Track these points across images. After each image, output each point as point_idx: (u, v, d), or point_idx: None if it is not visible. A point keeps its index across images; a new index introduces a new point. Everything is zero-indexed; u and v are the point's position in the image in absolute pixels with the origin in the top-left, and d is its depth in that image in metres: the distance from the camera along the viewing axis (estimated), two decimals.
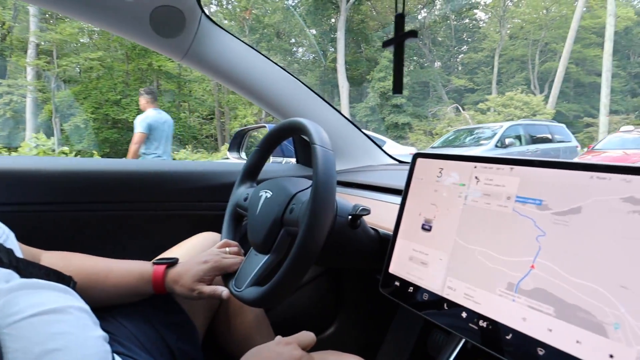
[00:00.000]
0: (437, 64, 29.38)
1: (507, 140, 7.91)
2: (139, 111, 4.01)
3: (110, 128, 15.60)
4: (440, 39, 27.58)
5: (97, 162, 1.23)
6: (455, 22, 27.02)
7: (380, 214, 0.92)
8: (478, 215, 0.61)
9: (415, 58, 26.43)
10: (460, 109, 19.12)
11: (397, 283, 0.70)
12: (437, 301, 0.62)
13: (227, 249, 0.86)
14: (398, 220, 0.74)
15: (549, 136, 9.07)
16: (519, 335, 0.51)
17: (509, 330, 0.52)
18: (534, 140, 8.61)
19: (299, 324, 1.27)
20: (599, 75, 26.56)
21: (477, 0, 26.70)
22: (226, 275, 0.83)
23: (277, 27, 21.73)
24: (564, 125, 9.76)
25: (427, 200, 0.69)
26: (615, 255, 0.45)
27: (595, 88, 26.39)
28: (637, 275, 0.43)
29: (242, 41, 1.21)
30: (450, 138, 9.49)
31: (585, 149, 9.12)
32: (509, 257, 0.54)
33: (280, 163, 2.22)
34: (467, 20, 27.75)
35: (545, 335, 0.48)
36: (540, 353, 0.48)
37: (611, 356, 0.42)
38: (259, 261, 0.78)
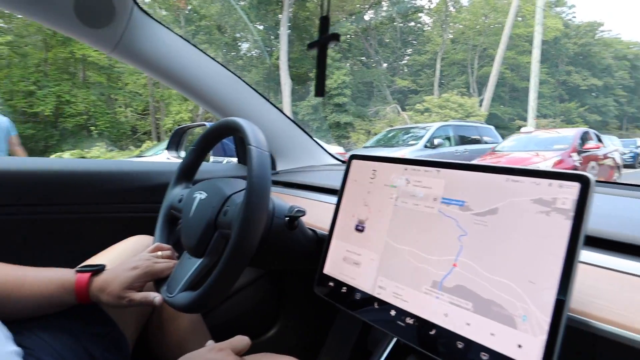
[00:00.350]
0: (384, 65, 30.33)
1: (436, 141, 8.12)
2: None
3: (24, 122, 14.28)
4: (387, 40, 28.43)
5: (15, 161, 1.14)
6: (401, 25, 28.01)
7: (319, 214, 0.95)
8: (407, 216, 0.64)
9: (363, 58, 27.02)
10: (399, 109, 19.76)
11: (331, 283, 0.72)
12: (369, 300, 0.65)
13: (160, 252, 0.84)
14: (333, 221, 0.76)
15: (478, 137, 9.34)
16: (441, 331, 0.54)
17: (432, 326, 0.55)
18: (463, 140, 8.88)
19: (239, 327, 1.26)
20: None
21: (422, 4, 27.96)
22: (158, 280, 0.81)
23: (220, 20, 21.23)
24: (492, 127, 10.17)
25: (361, 201, 0.72)
26: (525, 253, 0.49)
27: (528, 92, 28.76)
28: (543, 271, 0.48)
29: (178, 35, 1.18)
30: (382, 138, 9.65)
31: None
32: (434, 256, 0.58)
33: (221, 163, 2.19)
34: (412, 24, 28.87)
35: (464, 329, 0.52)
36: (460, 346, 0.52)
37: (519, 346, 0.47)
38: (192, 265, 0.77)
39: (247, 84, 1.32)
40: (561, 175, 0.49)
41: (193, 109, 17.64)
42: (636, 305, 0.50)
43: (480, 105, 20.66)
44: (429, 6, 28.14)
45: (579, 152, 6.66)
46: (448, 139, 8.74)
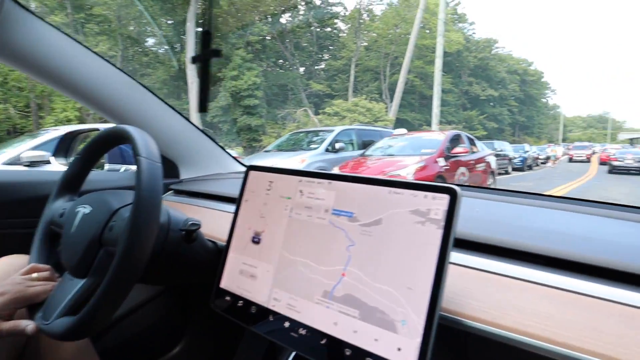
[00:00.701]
0: (301, 68, 30.83)
1: (338, 145, 8.03)
2: None
3: None
4: (303, 44, 28.85)
5: None
6: (317, 30, 28.63)
7: (223, 225, 0.93)
8: (301, 227, 0.66)
9: (280, 61, 27.09)
10: (310, 112, 20.11)
11: (228, 298, 0.72)
12: (264, 313, 0.66)
13: (35, 274, 0.76)
14: (230, 233, 0.76)
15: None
16: (331, 339, 0.57)
17: (323, 335, 0.58)
18: (366, 145, 8.65)
19: (138, 347, 1.19)
20: None
21: (338, 11, 28.85)
22: (32, 306, 0.73)
23: (120, 10, 19.78)
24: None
25: (258, 213, 0.73)
26: (404, 261, 0.54)
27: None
28: (419, 277, 0.52)
29: (62, 31, 1.09)
30: (284, 141, 9.40)
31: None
32: (325, 267, 0.61)
33: (118, 171, 2.05)
34: (328, 29, 29.67)
35: (351, 337, 0.55)
36: (348, 353, 0.55)
37: (399, 349, 0.51)
38: (73, 287, 0.71)
39: (144, 87, 1.26)
40: (434, 188, 0.54)
41: (82, 107, 16.02)
42: (502, 304, 0.56)
43: (387, 111, 21.72)
44: (344, 13, 29.29)
45: (447, 157, 6.31)
46: (351, 143, 8.67)
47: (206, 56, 0.50)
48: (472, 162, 7.06)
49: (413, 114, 31.00)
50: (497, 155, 15.82)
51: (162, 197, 1.27)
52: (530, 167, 21.37)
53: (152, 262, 0.73)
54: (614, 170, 18.23)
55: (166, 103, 1.34)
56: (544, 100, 60.45)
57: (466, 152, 6.73)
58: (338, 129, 8.76)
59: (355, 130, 9.19)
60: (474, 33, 42.74)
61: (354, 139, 8.88)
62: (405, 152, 6.71)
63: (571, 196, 1.03)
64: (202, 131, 1.50)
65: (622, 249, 0.64)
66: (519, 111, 48.50)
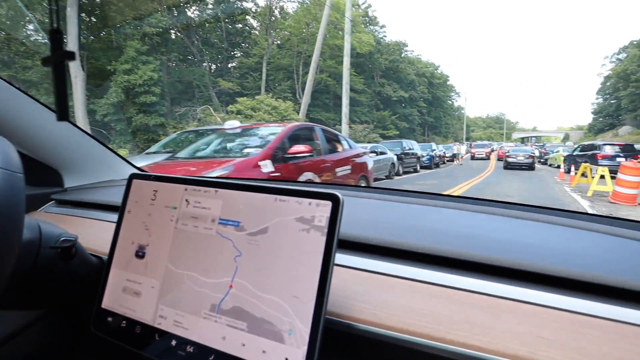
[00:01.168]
0: (212, 65, 29.85)
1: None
2: None
3: None
4: (214, 40, 27.91)
5: None
6: (229, 26, 27.88)
7: (109, 238, 0.84)
8: (187, 239, 0.64)
9: (189, 57, 25.79)
10: (212, 110, 19.10)
11: (110, 319, 0.68)
12: (150, 332, 0.62)
13: None
14: (112, 248, 0.72)
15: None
16: (219, 355, 0.55)
17: (211, 351, 0.56)
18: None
19: None
20: (352, 89, 32.10)
21: (249, 7, 28.44)
22: None
23: None
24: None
25: (142, 224, 0.69)
26: (290, 269, 0.54)
27: (349, 100, 32.13)
28: (305, 286, 0.53)
29: None
30: (171, 141, 8.06)
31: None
32: (212, 279, 0.59)
33: None
34: (240, 25, 29.08)
35: (240, 351, 0.54)
36: None
37: (287, 359, 0.51)
38: None
39: (11, 84, 1.12)
40: (318, 195, 0.55)
41: None
42: (389, 304, 0.59)
43: (295, 110, 21.67)
44: (255, 9, 29.00)
45: (281, 159, 4.59)
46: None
47: (59, 58, 0.46)
48: (327, 164, 5.50)
49: (327, 114, 31.87)
50: (405, 154, 16.18)
51: (39, 210, 1.14)
52: (437, 165, 22.92)
53: (22, 284, 0.66)
54: (509, 166, 21.51)
55: (41, 103, 1.21)
56: (449, 102, 65.65)
57: (308, 152, 4.93)
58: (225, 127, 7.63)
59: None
60: (385, 36, 45.02)
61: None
62: (223, 153, 4.96)
63: (467, 195, 1.13)
64: (89, 134, 1.39)
65: (498, 244, 0.70)
66: (428, 112, 52.07)
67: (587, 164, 12.22)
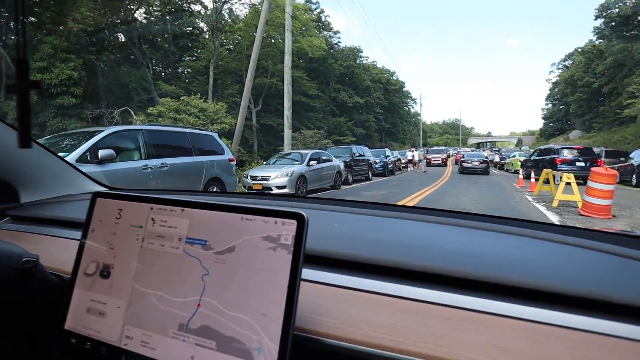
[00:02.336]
0: (159, 69, 28.91)
1: (103, 153, 5.78)
2: None
3: None
4: (159, 41, 27.08)
5: None
6: (176, 29, 27.14)
7: (69, 255, 0.85)
8: (154, 258, 0.65)
9: (132, 58, 24.65)
10: (132, 113, 17.74)
11: (73, 340, 0.68)
12: (116, 354, 0.63)
13: None
14: (75, 267, 0.72)
15: (190, 147, 7.57)
16: None
17: None
18: (162, 152, 6.96)
19: None
20: (305, 94, 32.16)
21: (196, 9, 27.92)
22: None
23: None
24: (215, 135, 8.80)
25: (106, 244, 0.70)
26: (258, 287, 0.57)
27: (303, 106, 32.12)
28: (272, 303, 0.55)
29: None
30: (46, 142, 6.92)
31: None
32: (180, 298, 0.61)
33: None
34: (189, 28, 28.40)
35: None
36: None
37: None
38: None
39: None
40: (283, 214, 0.58)
41: None
42: (354, 318, 0.63)
43: (232, 114, 20.51)
44: (204, 12, 28.53)
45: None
46: (138, 150, 6.64)
47: (24, 88, 0.48)
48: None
49: (279, 119, 31.27)
50: (355, 161, 15.71)
51: None
52: (392, 172, 22.58)
53: None
54: (465, 171, 22.74)
55: None
56: (406, 108, 67.27)
57: None
58: (110, 129, 6.44)
59: (145, 132, 6.91)
60: (339, 41, 45.54)
61: (142, 143, 6.74)
62: None
63: (419, 205, 1.20)
64: (46, 147, 1.37)
65: (458, 256, 0.76)
66: (385, 118, 52.86)
67: (549, 169, 11.49)
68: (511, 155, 26.28)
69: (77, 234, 0.99)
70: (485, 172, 22.35)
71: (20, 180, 1.34)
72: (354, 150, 16.98)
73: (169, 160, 7.05)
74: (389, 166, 21.85)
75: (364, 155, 17.69)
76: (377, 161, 20.22)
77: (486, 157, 24.15)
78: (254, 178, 10.97)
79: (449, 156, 40.38)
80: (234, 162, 8.96)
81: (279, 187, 10.60)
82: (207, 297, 0.59)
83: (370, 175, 18.10)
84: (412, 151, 30.74)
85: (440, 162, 32.38)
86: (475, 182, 16.80)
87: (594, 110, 44.09)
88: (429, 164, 30.57)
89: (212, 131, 10.99)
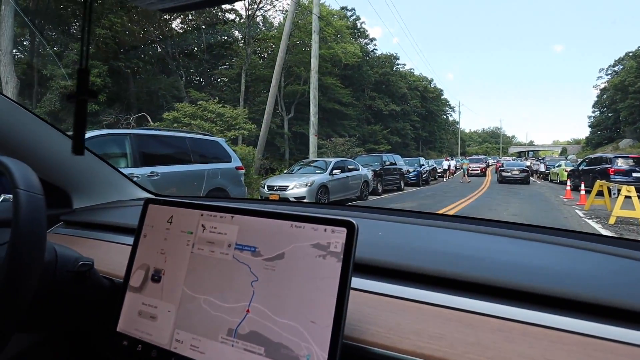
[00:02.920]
0: (195, 77, 29.61)
1: None
2: None
3: None
4: (195, 52, 27.74)
5: None
6: (211, 38, 27.70)
7: (120, 260, 0.89)
8: (204, 263, 0.67)
9: (143, 62, 24.95)
10: (149, 119, 17.39)
11: (125, 342, 0.70)
12: (166, 357, 0.65)
13: None
14: (128, 271, 0.75)
15: (189, 153, 7.01)
16: None
17: None
18: (151, 160, 6.27)
19: None
20: (339, 102, 32.08)
21: (231, 17, 28.51)
22: None
23: None
24: (222, 140, 8.18)
25: (157, 249, 0.73)
26: (307, 295, 0.57)
27: (336, 114, 32.06)
28: (322, 311, 0.56)
29: None
30: None
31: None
32: (229, 304, 0.62)
33: None
34: (225, 37, 28.97)
35: None
36: None
37: None
38: None
39: (21, 105, 1.16)
40: (333, 222, 0.58)
41: None
42: (401, 327, 0.62)
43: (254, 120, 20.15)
44: (238, 20, 29.07)
45: None
46: (124, 156, 6.09)
47: (82, 97, 0.52)
48: None
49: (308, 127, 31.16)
50: (386, 170, 15.18)
51: (48, 232, 1.18)
52: (426, 182, 21.72)
53: (34, 305, 0.69)
54: (504, 180, 22.34)
55: (49, 123, 1.26)
56: (444, 116, 66.49)
57: None
58: (93, 133, 5.89)
59: (135, 137, 6.24)
60: (375, 49, 45.39)
61: (130, 149, 6.10)
62: None
63: (463, 215, 1.20)
64: (97, 154, 1.43)
65: (506, 266, 0.74)
66: (422, 126, 52.06)
67: (602, 181, 10.46)
68: (556, 165, 24.63)
69: (128, 239, 1.03)
70: (525, 181, 21.89)
71: (73, 187, 1.40)
72: (384, 159, 16.38)
73: (161, 169, 6.29)
74: (424, 175, 21.17)
75: (395, 164, 16.97)
76: (411, 170, 19.58)
77: (527, 166, 23.70)
78: (271, 188, 10.36)
79: (488, 165, 38.61)
80: (243, 171, 8.25)
81: (297, 198, 9.86)
82: (256, 303, 0.60)
83: (403, 185, 17.32)
84: (448, 160, 29.91)
85: (478, 171, 30.70)
86: (516, 194, 15.72)
87: None
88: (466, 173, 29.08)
89: (233, 137, 10.40)
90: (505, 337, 0.59)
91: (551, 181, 23.97)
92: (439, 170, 26.98)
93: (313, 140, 17.24)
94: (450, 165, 27.70)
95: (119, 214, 1.32)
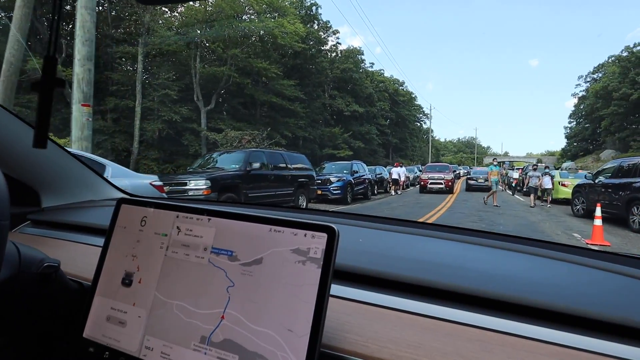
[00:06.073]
0: None
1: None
2: None
3: None
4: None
5: None
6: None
7: (90, 262, 0.90)
8: (178, 267, 0.67)
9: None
10: None
11: (92, 349, 0.70)
12: None
13: None
14: (97, 274, 0.75)
15: None
16: None
17: None
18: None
19: None
20: (280, 96, 27.44)
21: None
22: None
23: None
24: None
25: (129, 251, 0.73)
26: (285, 301, 0.58)
27: (278, 109, 28.41)
28: (299, 318, 0.56)
29: None
30: None
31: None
32: (203, 310, 0.63)
33: None
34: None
35: None
36: None
37: None
38: None
39: None
40: (313, 227, 0.59)
41: None
42: (379, 336, 0.64)
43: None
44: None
45: None
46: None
47: (48, 85, 0.55)
48: None
49: (238, 123, 26.03)
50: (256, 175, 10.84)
51: (14, 231, 1.19)
52: (365, 196, 18.48)
53: None
54: (470, 188, 23.75)
55: (15, 114, 1.25)
56: (417, 124, 67.03)
57: None
58: None
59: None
60: (339, 42, 44.34)
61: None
62: None
63: (443, 224, 1.29)
64: (70, 152, 1.44)
65: (485, 276, 0.78)
66: (392, 132, 50.55)
67: None
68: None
69: (99, 240, 1.04)
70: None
71: (42, 184, 1.41)
72: (355, 168, 15.94)
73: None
74: (360, 188, 17.43)
75: (288, 168, 12.43)
76: (333, 180, 15.28)
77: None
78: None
79: (458, 177, 34.74)
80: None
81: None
82: (232, 310, 0.61)
83: (305, 203, 12.83)
84: (399, 166, 23.21)
85: (442, 185, 22.82)
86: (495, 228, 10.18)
87: (632, 126, 41.84)
88: (423, 188, 22.95)
89: None
90: (484, 347, 0.61)
91: (524, 194, 19.91)
92: (391, 180, 22.26)
93: (78, 113, 10.26)
94: (401, 175, 22.18)
95: (90, 214, 1.33)
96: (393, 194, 21.67)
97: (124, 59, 23.34)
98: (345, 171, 17.04)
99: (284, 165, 12.48)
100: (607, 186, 11.46)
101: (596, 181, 12.18)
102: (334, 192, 15.28)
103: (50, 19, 0.55)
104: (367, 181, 18.65)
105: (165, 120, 21.60)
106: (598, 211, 8.79)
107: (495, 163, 17.35)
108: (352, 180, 16.63)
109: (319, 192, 14.99)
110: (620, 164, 11.66)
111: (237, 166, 10.89)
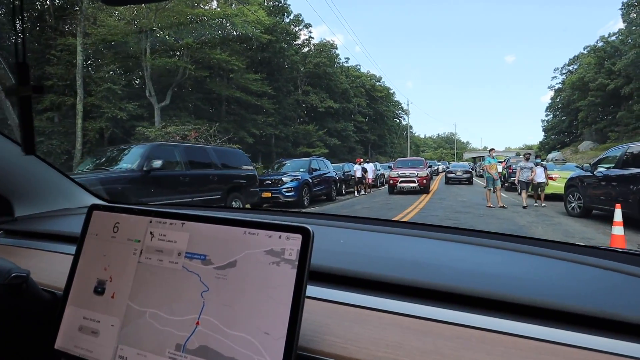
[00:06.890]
0: None
1: None
2: None
3: None
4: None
5: None
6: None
7: (64, 272, 0.86)
8: (151, 274, 0.67)
9: None
10: None
11: None
12: None
13: None
14: (68, 283, 0.74)
15: None
16: None
17: None
18: None
19: None
20: (245, 91, 25.07)
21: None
22: None
23: None
24: None
25: (102, 258, 0.72)
26: (260, 304, 0.57)
27: (244, 105, 26.59)
28: (275, 321, 0.56)
29: None
30: None
31: None
32: (177, 317, 0.62)
33: None
34: None
35: None
36: None
37: None
38: None
39: None
40: (288, 228, 0.59)
41: None
42: (358, 337, 0.65)
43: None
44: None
45: None
46: None
47: (25, 93, 0.55)
48: None
49: (198, 121, 23.14)
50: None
51: None
52: (329, 197, 16.77)
53: None
54: (449, 181, 25.15)
55: None
56: (396, 120, 66.79)
57: None
58: None
59: None
60: (311, 36, 43.39)
61: None
62: None
63: (420, 222, 1.32)
64: (45, 160, 1.42)
65: (464, 273, 0.80)
66: (370, 129, 48.89)
67: None
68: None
69: (73, 249, 0.99)
70: (468, 181, 24.97)
71: (15, 193, 1.40)
72: (313, 165, 14.53)
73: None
74: (320, 188, 15.78)
75: (216, 166, 10.47)
76: (286, 180, 13.80)
77: (469, 167, 26.66)
78: None
79: (436, 173, 34.27)
80: None
81: None
82: (207, 315, 0.61)
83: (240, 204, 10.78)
84: (363, 162, 20.48)
85: (416, 184, 18.80)
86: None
87: (608, 117, 41.74)
88: (393, 188, 19.32)
89: None
90: (463, 344, 0.62)
91: (509, 189, 18.37)
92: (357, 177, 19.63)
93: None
94: (368, 172, 20.23)
95: (64, 222, 1.31)
96: (357, 194, 19.38)
97: (65, 52, 21.01)
98: (302, 169, 15.14)
99: (209, 162, 10.18)
100: (611, 179, 8.97)
101: (595, 173, 9.78)
102: (287, 194, 13.48)
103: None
104: (330, 180, 16.66)
105: (109, 117, 19.70)
106: (618, 215, 6.51)
107: (493, 155, 13.70)
108: (310, 180, 14.78)
109: (268, 194, 13.20)
110: (627, 151, 8.91)
111: (129, 166, 8.38)
